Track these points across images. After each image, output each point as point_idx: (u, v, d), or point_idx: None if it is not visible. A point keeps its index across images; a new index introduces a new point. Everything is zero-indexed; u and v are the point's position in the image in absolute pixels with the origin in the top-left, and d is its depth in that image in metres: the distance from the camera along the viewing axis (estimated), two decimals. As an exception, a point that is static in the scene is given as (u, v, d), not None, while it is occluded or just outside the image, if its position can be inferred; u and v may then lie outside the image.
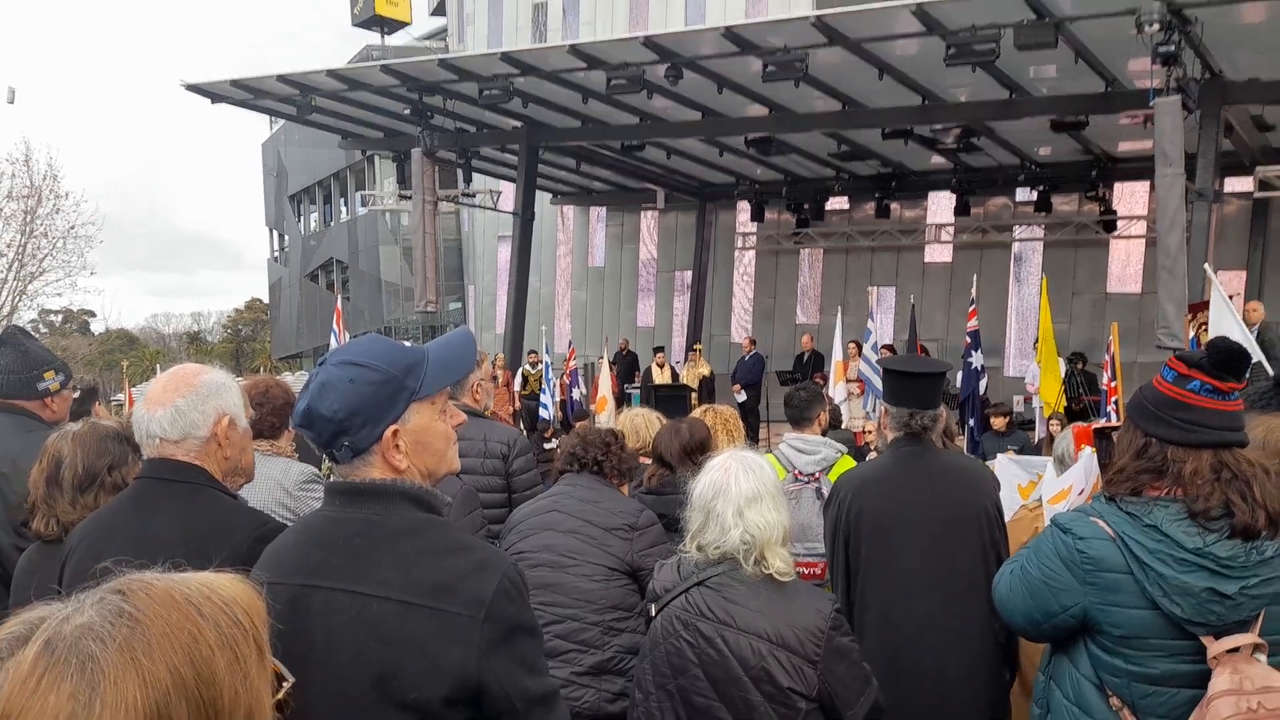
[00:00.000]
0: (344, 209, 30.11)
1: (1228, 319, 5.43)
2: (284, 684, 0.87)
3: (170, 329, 61.09)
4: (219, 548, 1.59)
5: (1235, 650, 1.89)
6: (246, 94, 14.14)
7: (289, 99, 14.03)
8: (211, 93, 14.20)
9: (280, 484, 3.08)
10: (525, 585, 1.57)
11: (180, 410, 1.97)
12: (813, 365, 15.04)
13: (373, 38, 27.56)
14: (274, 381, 3.32)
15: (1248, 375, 2.09)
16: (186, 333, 59.04)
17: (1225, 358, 2.01)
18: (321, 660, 1.49)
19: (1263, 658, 1.90)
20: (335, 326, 10.87)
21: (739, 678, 2.14)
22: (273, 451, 3.11)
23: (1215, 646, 1.90)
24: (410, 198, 15.00)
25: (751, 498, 2.20)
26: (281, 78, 13.45)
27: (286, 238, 34.26)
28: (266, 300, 41.36)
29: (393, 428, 1.57)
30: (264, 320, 47.01)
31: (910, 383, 3.11)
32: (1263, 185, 12.90)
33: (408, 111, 13.86)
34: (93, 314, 50.74)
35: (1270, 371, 4.18)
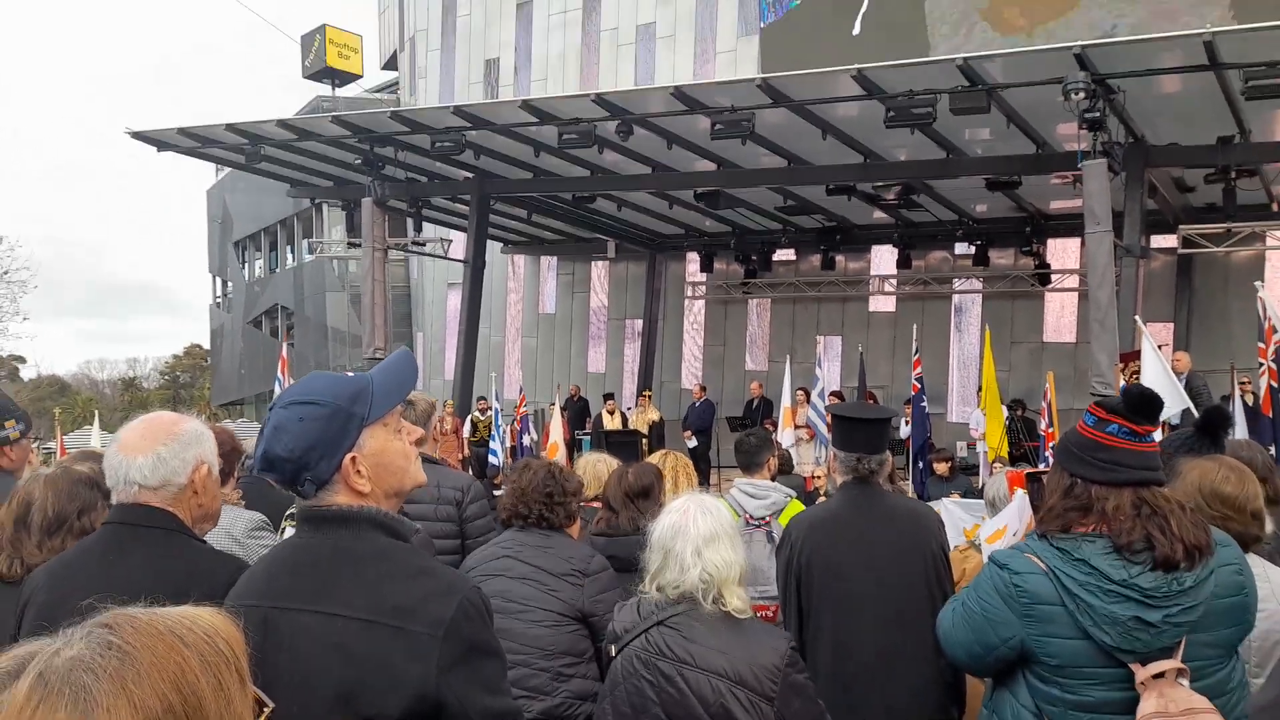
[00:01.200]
0: (290, 256, 29.82)
1: (1157, 367, 5.71)
2: (264, 709, 0.90)
3: (104, 375, 59.42)
4: (196, 589, 1.62)
5: (1161, 676, 2.01)
6: (194, 142, 14.04)
7: (237, 148, 13.96)
8: (158, 140, 14.07)
9: (229, 532, 3.08)
10: (488, 609, 1.62)
11: (162, 458, 2.00)
12: (762, 412, 15.23)
13: (323, 89, 27.64)
14: (218, 429, 3.34)
15: (1179, 422, 2.26)
16: (121, 379, 57.43)
17: (1139, 403, 2.18)
18: (288, 681, 1.52)
19: (1185, 682, 2.03)
20: (280, 374, 10.73)
21: (698, 715, 2.20)
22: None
23: (1142, 672, 2.02)
24: (359, 245, 14.97)
25: (709, 538, 2.28)
26: (230, 127, 13.40)
27: (230, 284, 33.76)
28: (207, 346, 40.56)
29: (350, 455, 1.62)
30: (204, 366, 46.02)
31: (858, 428, 3.24)
32: (1186, 242, 13.55)
33: (358, 161, 13.88)
34: (23, 360, 49.16)
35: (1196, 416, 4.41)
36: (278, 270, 30.36)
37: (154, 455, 2.00)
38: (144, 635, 0.81)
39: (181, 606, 0.88)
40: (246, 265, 32.37)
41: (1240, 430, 6.82)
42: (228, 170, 25.44)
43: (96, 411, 16.88)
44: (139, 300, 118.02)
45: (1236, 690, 2.15)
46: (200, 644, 0.83)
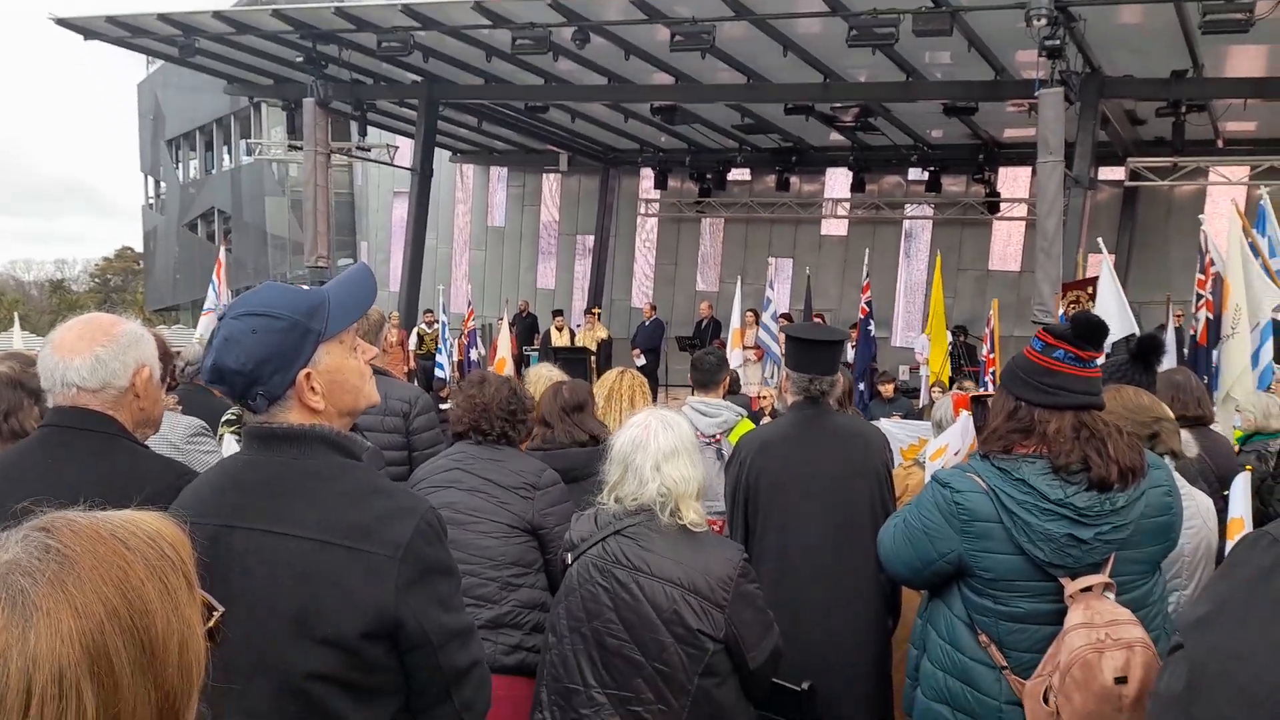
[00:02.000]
0: (227, 157, 28.72)
1: (1111, 290, 5.82)
2: (214, 613, 0.88)
3: (31, 276, 57.23)
4: (138, 494, 1.58)
5: (1088, 590, 2.10)
6: (123, 31, 13.27)
7: (170, 39, 13.23)
8: (84, 29, 13.27)
9: (167, 438, 3.02)
10: (443, 528, 1.62)
11: (101, 359, 1.93)
12: (711, 332, 15.32)
13: (263, -22, 26.23)
14: (153, 332, 3.24)
15: (1109, 351, 2.31)
16: (49, 280, 55.41)
17: (1086, 330, 2.22)
18: (240, 599, 1.51)
19: (1111, 595, 2.12)
20: (215, 279, 10.36)
21: (652, 620, 2.25)
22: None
23: (1071, 586, 2.11)
24: (300, 148, 14.44)
25: (669, 453, 2.30)
26: (162, 16, 12.66)
27: (163, 185, 32.46)
28: (139, 249, 39.22)
29: (304, 371, 1.58)
30: (136, 270, 44.62)
31: (812, 349, 3.27)
32: (1133, 175, 13.77)
33: (300, 59, 13.28)
34: (-55, 259, 47.11)
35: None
36: (214, 171, 29.27)
37: (92, 356, 1.93)
38: (84, 538, 0.78)
39: (124, 510, 0.85)
40: (181, 165, 31.11)
41: (1171, 359, 7.05)
42: (160, 63, 24.20)
43: (17, 314, 16.26)
44: (67, 199, 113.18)
45: (1157, 603, 2.26)
46: (144, 547, 0.80)
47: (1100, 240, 7.45)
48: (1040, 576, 2.15)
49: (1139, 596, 2.20)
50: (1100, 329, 2.21)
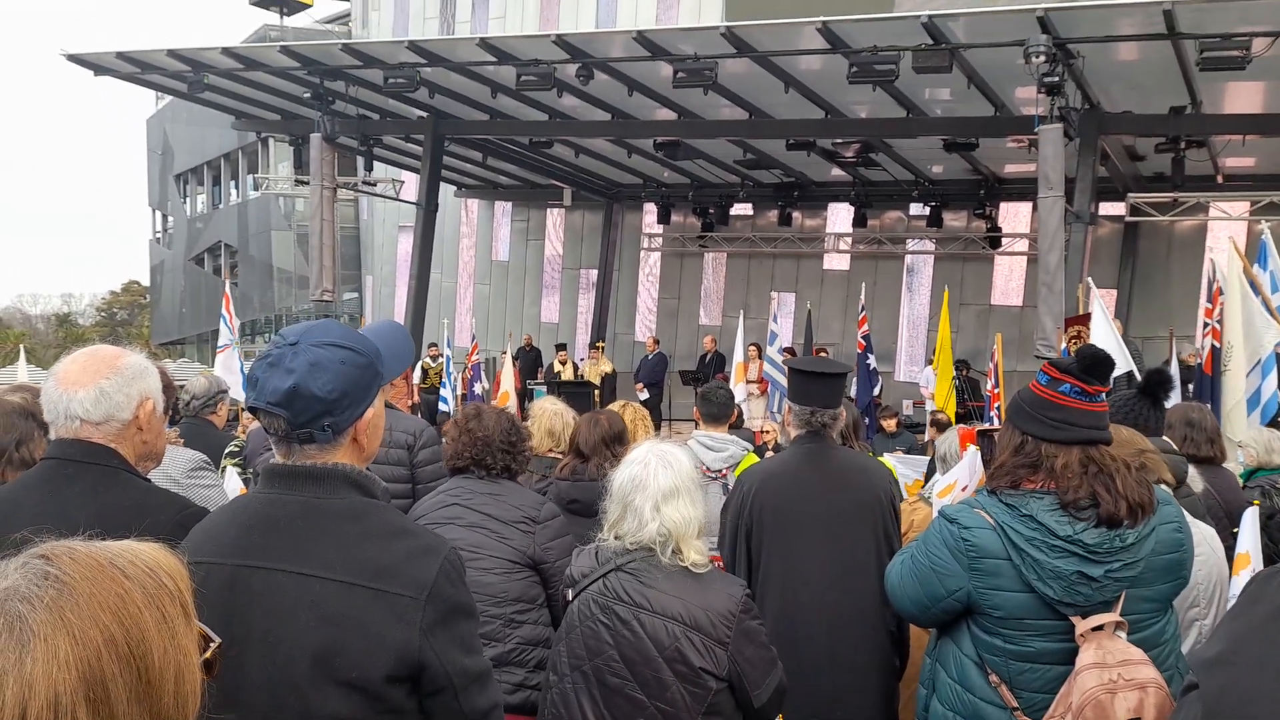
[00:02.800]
0: (234, 191, 28.96)
1: (1105, 329, 5.83)
2: (211, 644, 0.87)
3: (38, 309, 57.45)
4: (139, 528, 1.56)
5: (1100, 628, 2.07)
6: (133, 67, 13.45)
7: (179, 75, 13.41)
8: (94, 64, 13.45)
9: (166, 473, 3.00)
10: (463, 569, 1.63)
11: (105, 392, 1.93)
12: (715, 366, 15.31)
13: (270, 17, 26.59)
14: (156, 367, 3.24)
15: (1110, 386, 2.31)
16: (55, 314, 55.60)
17: (1091, 363, 2.21)
18: (261, 640, 1.50)
19: (1123, 634, 2.10)
20: (225, 313, 10.45)
21: (653, 658, 2.22)
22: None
23: (1082, 625, 2.08)
24: (307, 183, 14.56)
25: (669, 493, 2.27)
26: (173, 53, 12.84)
27: (170, 219, 32.72)
28: (146, 283, 39.41)
29: (372, 410, 1.63)
30: (142, 304, 44.79)
31: (814, 382, 3.26)
32: (1133, 210, 13.83)
33: (307, 95, 13.44)
34: (-48, 292, 47.36)
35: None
36: (221, 206, 29.49)
37: (96, 389, 1.92)
38: (83, 566, 0.78)
39: (123, 541, 0.85)
40: (188, 200, 31.37)
41: (1176, 394, 7.04)
42: (169, 99, 24.49)
43: (23, 346, 16.29)
44: (79, 233, 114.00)
45: (1169, 642, 2.22)
46: (142, 577, 0.80)
47: (1089, 281, 7.46)
48: (1050, 615, 2.12)
49: (1151, 635, 2.17)
50: (1106, 363, 2.21)
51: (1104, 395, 2.24)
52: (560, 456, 3.81)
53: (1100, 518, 2.11)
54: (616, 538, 2.33)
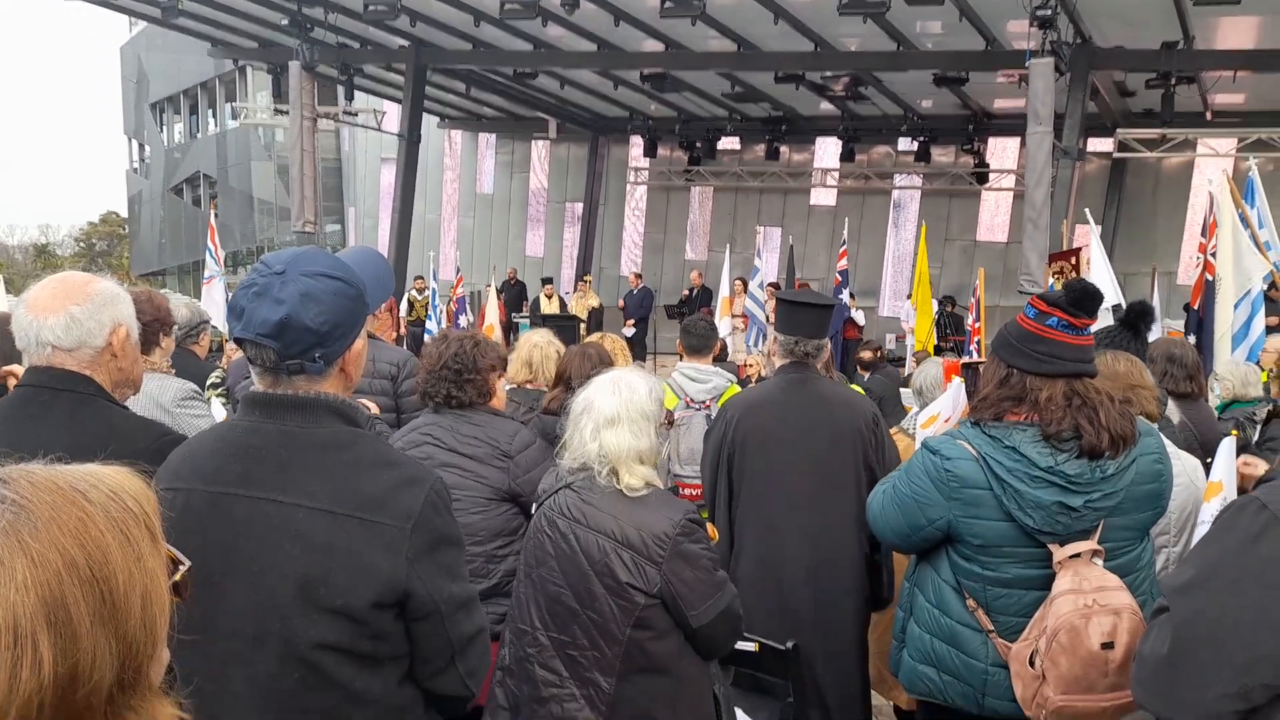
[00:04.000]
0: (212, 121, 28.29)
1: (1100, 262, 5.84)
2: (180, 567, 0.86)
3: (15, 240, 56.48)
4: (116, 456, 1.55)
5: (1077, 556, 2.13)
6: (105, -11, 13.03)
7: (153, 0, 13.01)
8: (65, -16, 13.02)
9: (157, 401, 2.98)
10: (449, 498, 1.64)
11: (75, 318, 1.90)
12: (700, 300, 15.30)
13: (246, -63, 25.68)
14: (147, 294, 3.18)
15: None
16: (33, 244, 54.70)
17: (1080, 297, 2.22)
18: (245, 568, 1.51)
19: (1099, 562, 2.15)
20: (211, 244, 10.28)
21: (585, 570, 2.30)
22: (147, 367, 2.99)
23: (1060, 553, 2.13)
24: (287, 113, 14.25)
25: (610, 419, 2.32)
26: (146, -26, 12.44)
27: (147, 149, 31.98)
28: (124, 214, 38.73)
29: (360, 341, 1.62)
30: (121, 235, 44.08)
31: (800, 312, 3.28)
32: (1121, 146, 13.78)
33: (285, 21, 13.06)
34: (-75, 223, 46.45)
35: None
36: (199, 136, 28.84)
37: (66, 315, 1.89)
38: (41, 490, 0.77)
39: (86, 465, 0.84)
40: (165, 129, 30.63)
41: (1158, 328, 7.09)
42: (144, 25, 23.75)
43: (1, 277, 16.07)
44: (56, 163, 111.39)
45: (1145, 569, 2.28)
46: (105, 500, 0.79)
47: (1088, 211, 7.46)
48: (1029, 543, 2.17)
49: (1127, 562, 2.23)
50: (1095, 296, 2.22)
51: (1090, 329, 2.26)
52: (542, 389, 3.79)
53: (1082, 449, 2.14)
54: (568, 456, 2.39)
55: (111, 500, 0.79)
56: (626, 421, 2.31)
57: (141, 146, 32.40)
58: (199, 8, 13.27)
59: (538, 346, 3.91)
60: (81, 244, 51.95)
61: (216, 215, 11.45)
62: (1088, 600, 2.06)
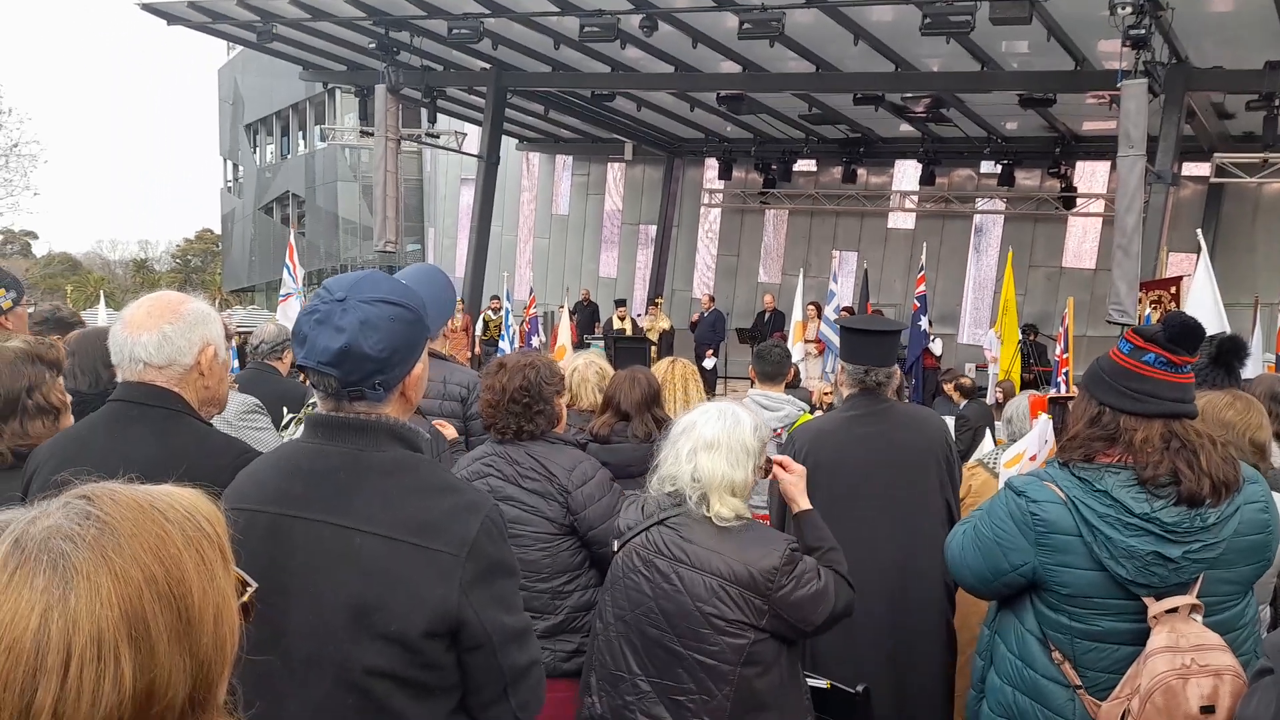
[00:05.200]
0: (302, 142, 29.30)
1: (1207, 290, 5.53)
2: (248, 589, 0.88)
3: (116, 255, 59.38)
4: (200, 472, 1.58)
5: (1174, 611, 1.98)
6: (204, 17, 13.61)
7: (249, 25, 13.53)
8: (168, 14, 13.63)
9: (221, 414, 3.05)
10: (505, 527, 1.62)
11: (168, 336, 1.96)
12: (773, 324, 15.15)
13: (339, -34, 26.63)
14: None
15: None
16: (133, 260, 57.40)
17: (1180, 332, 2.08)
18: (301, 590, 1.51)
19: (1199, 618, 2.00)
20: (289, 262, 10.60)
21: (690, 611, 2.23)
22: None
23: (1156, 607, 1.99)
24: (372, 134, 14.65)
25: (710, 443, 2.27)
26: (242, 2, 12.93)
27: (241, 168, 33.30)
28: (218, 231, 40.34)
29: (420, 366, 1.63)
30: (215, 251, 45.89)
31: (866, 340, 3.18)
32: (1219, 171, 13.18)
33: (373, 45, 13.47)
34: (35, 235, 49.22)
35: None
36: (289, 156, 29.90)
37: (159, 333, 1.96)
38: (124, 507, 0.79)
39: (162, 485, 0.87)
40: (258, 150, 31.86)
41: (1257, 364, 6.72)
42: (240, 49, 24.78)
43: (102, 291, 16.92)
44: (157, 181, 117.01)
45: (1248, 627, 2.12)
46: (182, 520, 0.82)
47: (1199, 233, 7.11)
48: (1121, 594, 2.04)
49: (1228, 619, 2.07)
50: (1196, 332, 2.08)
51: (1190, 366, 2.12)
52: (584, 411, 3.68)
53: (1181, 496, 2.00)
54: (658, 480, 2.33)
55: (188, 520, 0.82)
56: (726, 449, 2.27)
57: (235, 166, 33.77)
58: (291, 32, 13.79)
59: (576, 369, 3.83)
60: (178, 260, 54.30)
61: (303, 234, 11.80)
62: (1185, 659, 1.91)
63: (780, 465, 2.46)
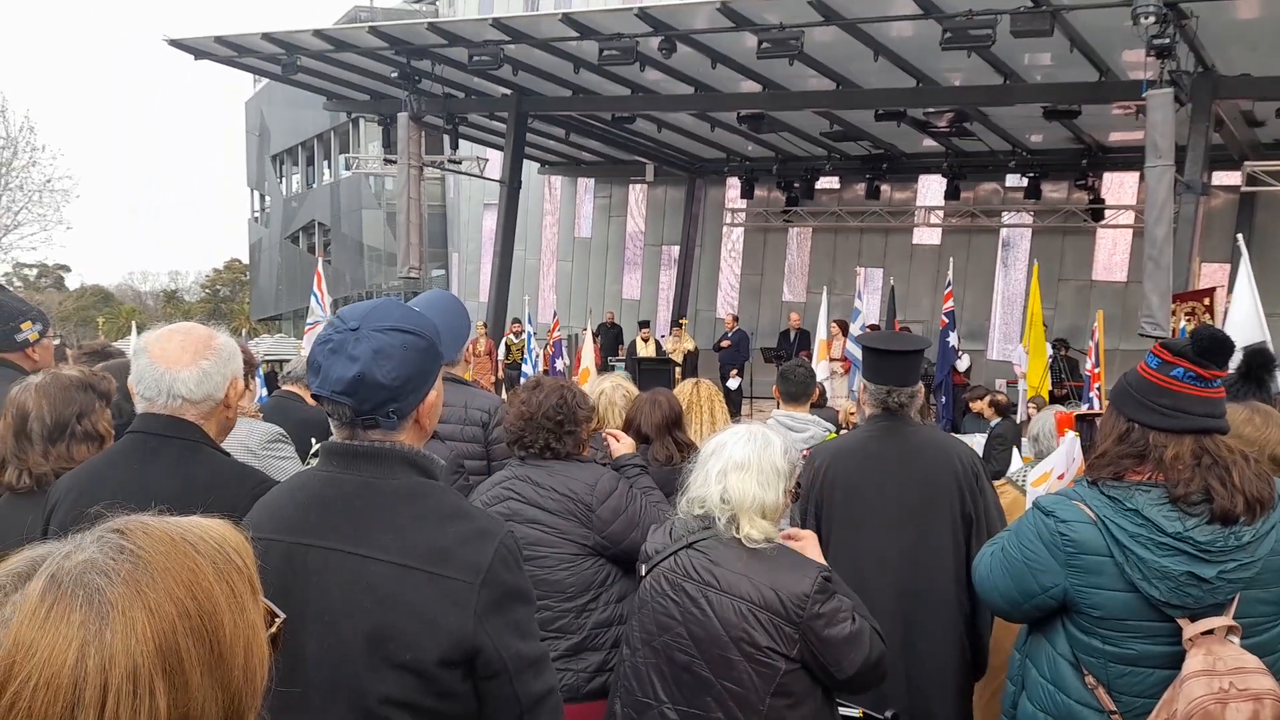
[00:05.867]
0: (327, 171, 29.74)
1: (1248, 297, 5.38)
2: (276, 620, 0.89)
3: (147, 287, 60.45)
4: (219, 503, 1.58)
5: (1210, 632, 1.91)
6: (230, 51, 13.88)
7: (273, 58, 13.77)
8: (194, 49, 13.93)
9: (245, 444, 3.07)
10: (520, 552, 1.60)
11: (206, 373, 2.00)
12: (798, 343, 15.07)
13: (361, -1, 27.12)
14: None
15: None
16: (164, 291, 58.39)
17: (1209, 345, 2.03)
18: (316, 618, 1.51)
19: (1236, 640, 1.93)
20: (316, 290, 10.72)
21: (720, 637, 2.18)
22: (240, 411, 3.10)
23: (1191, 629, 1.93)
24: (395, 162, 14.83)
25: (740, 464, 2.23)
26: (267, 36, 13.20)
27: (268, 198, 33.84)
28: (246, 261, 40.95)
29: (434, 393, 1.63)
30: (243, 281, 46.57)
31: (888, 360, 3.12)
32: (1250, 180, 12.99)
33: (395, 75, 13.66)
34: (68, 269, 50.21)
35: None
36: (315, 185, 30.34)
37: (199, 370, 2.00)
38: (156, 540, 0.80)
39: (190, 516, 0.87)
40: (284, 180, 32.37)
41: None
42: (266, 81, 25.25)
43: (134, 323, 17.24)
44: (186, 212, 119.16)
45: (1290, 650, 2.05)
46: (212, 552, 0.83)
47: (1240, 238, 6.96)
48: (1155, 616, 1.97)
49: (1268, 640, 2.00)
50: (1226, 345, 2.02)
51: (1220, 380, 2.06)
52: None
53: (1214, 514, 1.94)
54: (687, 501, 2.29)
55: (218, 552, 0.83)
56: (756, 470, 2.23)
57: (263, 196, 34.31)
58: (315, 64, 14.02)
59: (603, 393, 3.79)
60: (207, 290, 55.16)
61: (329, 262, 11.95)
62: (1223, 683, 1.85)
63: (788, 536, 2.40)
